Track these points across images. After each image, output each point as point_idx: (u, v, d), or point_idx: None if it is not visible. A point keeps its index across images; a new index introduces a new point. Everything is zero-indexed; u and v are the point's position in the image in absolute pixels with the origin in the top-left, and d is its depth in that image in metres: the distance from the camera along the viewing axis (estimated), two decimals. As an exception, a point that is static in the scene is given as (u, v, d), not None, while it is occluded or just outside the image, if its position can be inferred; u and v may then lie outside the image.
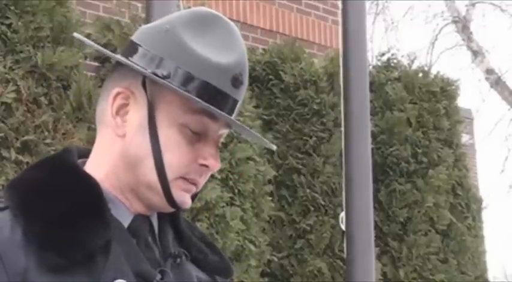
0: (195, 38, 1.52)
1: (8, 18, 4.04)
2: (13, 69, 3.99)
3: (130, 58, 1.54)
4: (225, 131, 1.57)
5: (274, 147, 1.69)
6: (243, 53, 1.56)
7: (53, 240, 1.45)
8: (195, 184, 1.55)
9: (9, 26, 4.04)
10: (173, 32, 1.52)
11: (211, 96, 1.51)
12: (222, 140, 1.59)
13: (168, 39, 1.52)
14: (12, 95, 3.93)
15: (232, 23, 1.58)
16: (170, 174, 1.51)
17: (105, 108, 1.55)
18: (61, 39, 4.18)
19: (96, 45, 1.63)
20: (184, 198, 1.54)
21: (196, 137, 1.52)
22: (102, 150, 1.56)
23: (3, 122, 3.90)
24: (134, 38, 1.57)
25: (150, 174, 1.51)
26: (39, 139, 3.97)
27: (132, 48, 1.55)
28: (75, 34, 1.63)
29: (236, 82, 1.53)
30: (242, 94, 1.56)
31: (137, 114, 1.52)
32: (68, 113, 4.09)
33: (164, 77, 1.49)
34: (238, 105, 1.56)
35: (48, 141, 3.98)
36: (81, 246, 1.45)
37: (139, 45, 1.54)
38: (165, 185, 1.51)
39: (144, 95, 1.52)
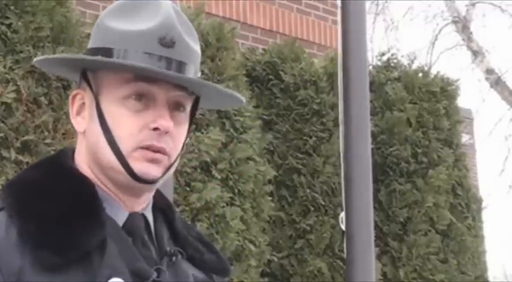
0: (117, 19, 1.57)
1: (8, 18, 4.04)
2: (13, 69, 3.99)
3: None
4: (177, 94, 1.56)
5: (244, 100, 1.68)
6: (169, 16, 1.56)
7: (48, 240, 1.45)
8: (159, 152, 1.54)
9: (9, 26, 4.04)
10: (100, 22, 1.60)
11: (140, 61, 1.53)
12: (181, 104, 1.57)
13: (97, 30, 1.60)
14: (12, 95, 3.93)
15: (160, 0, 1.60)
16: (124, 147, 1.52)
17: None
18: (61, 39, 4.18)
19: (54, 55, 1.70)
20: (147, 169, 1.53)
21: (141, 105, 1.54)
22: (78, 153, 1.60)
23: (3, 122, 3.90)
24: None
25: (108, 154, 1.53)
26: (39, 139, 3.97)
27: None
28: (35, 61, 1.68)
29: (164, 41, 1.54)
30: (183, 54, 1.56)
31: (89, 107, 1.58)
32: (67, 113, 4.08)
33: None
34: (189, 67, 1.56)
35: (48, 141, 3.98)
36: (77, 245, 1.46)
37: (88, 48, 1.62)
38: (122, 159, 1.52)
39: (87, 85, 1.58)
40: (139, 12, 1.57)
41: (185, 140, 1.60)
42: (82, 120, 1.59)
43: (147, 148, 1.53)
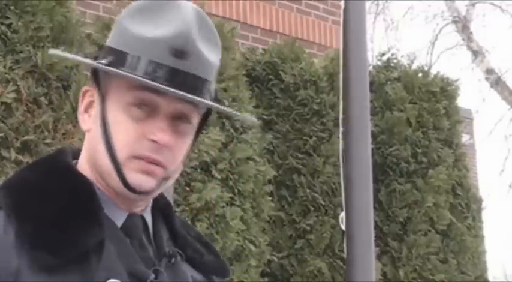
0: (135, 21, 1.53)
1: (8, 18, 4.04)
2: (13, 69, 3.99)
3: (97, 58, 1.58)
4: (183, 106, 1.52)
5: (256, 120, 1.69)
6: (186, 24, 1.51)
7: (45, 240, 1.44)
8: (156, 164, 1.51)
9: (9, 26, 4.04)
10: (120, 21, 1.56)
11: (150, 70, 1.50)
12: (186, 116, 1.53)
13: (116, 29, 1.57)
14: (12, 95, 3.93)
15: (184, 2, 1.56)
16: (120, 154, 1.50)
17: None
18: (61, 39, 4.18)
19: (67, 55, 1.67)
20: (141, 181, 1.50)
21: (143, 113, 1.51)
22: (83, 151, 1.59)
23: (3, 122, 3.90)
24: None
25: (105, 159, 1.51)
26: (39, 139, 3.97)
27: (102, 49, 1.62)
28: (51, 51, 1.68)
29: (177, 52, 1.50)
30: (195, 66, 1.51)
31: (96, 106, 1.56)
32: (68, 113, 4.09)
33: (110, 64, 1.52)
34: (200, 80, 1.52)
35: (48, 141, 3.98)
36: (74, 246, 1.45)
37: (105, 44, 1.59)
38: (117, 166, 1.50)
39: (96, 85, 1.56)
40: (159, 16, 1.53)
41: (189, 151, 1.56)
42: (88, 119, 1.56)
43: (142, 158, 1.50)
